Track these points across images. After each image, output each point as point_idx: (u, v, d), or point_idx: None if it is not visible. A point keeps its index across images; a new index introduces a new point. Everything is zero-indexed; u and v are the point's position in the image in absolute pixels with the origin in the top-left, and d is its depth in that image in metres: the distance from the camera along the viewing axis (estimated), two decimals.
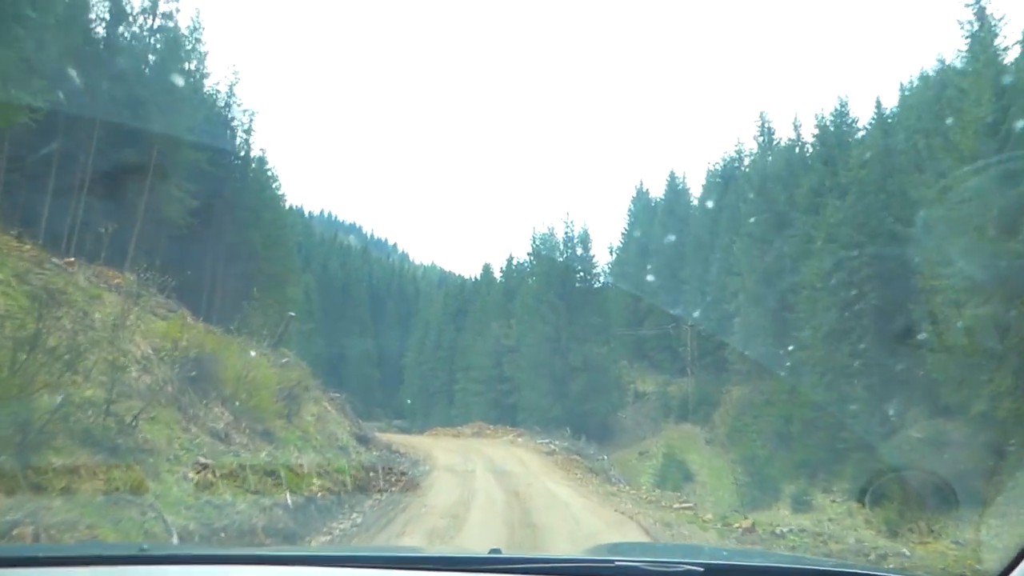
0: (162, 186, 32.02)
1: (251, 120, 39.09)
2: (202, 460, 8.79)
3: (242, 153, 38.74)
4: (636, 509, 14.07)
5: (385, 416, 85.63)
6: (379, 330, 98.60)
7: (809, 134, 50.25)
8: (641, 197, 76.51)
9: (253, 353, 17.73)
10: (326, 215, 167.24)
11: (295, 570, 2.48)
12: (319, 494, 10.65)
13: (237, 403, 11.69)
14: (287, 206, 50.52)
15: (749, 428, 39.61)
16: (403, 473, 17.08)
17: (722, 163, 62.10)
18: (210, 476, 8.58)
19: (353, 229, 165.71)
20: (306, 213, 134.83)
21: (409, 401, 79.43)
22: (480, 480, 16.23)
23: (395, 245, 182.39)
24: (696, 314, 53.74)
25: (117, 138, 30.12)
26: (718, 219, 55.44)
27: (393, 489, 14.41)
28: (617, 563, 2.35)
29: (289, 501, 9.15)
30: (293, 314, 21.79)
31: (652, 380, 59.79)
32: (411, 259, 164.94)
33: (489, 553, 2.47)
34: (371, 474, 14.85)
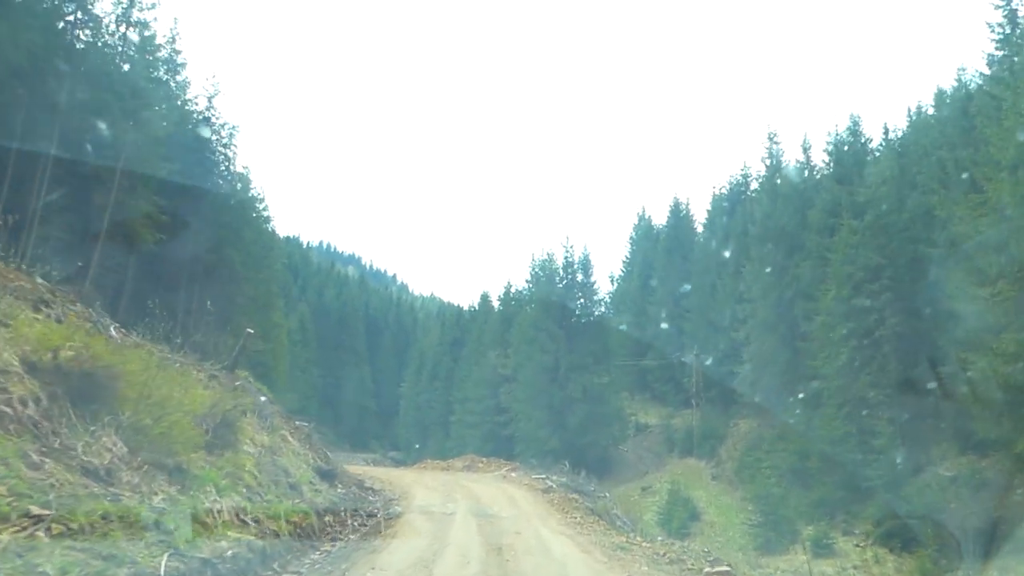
0: (129, 199, 29.40)
1: (231, 135, 36.47)
2: (35, 511, 6.04)
3: (222, 169, 36.12)
4: (655, 574, 11.14)
5: (380, 448, 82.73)
6: (376, 360, 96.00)
7: (819, 155, 47.98)
8: (643, 224, 74.15)
9: (199, 374, 15.01)
10: (325, 246, 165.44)
11: None
12: (229, 551, 7.83)
13: (137, 431, 8.93)
14: (273, 228, 47.80)
15: (760, 464, 36.60)
16: (370, 515, 14.25)
17: (728, 187, 59.69)
18: (39, 533, 5.82)
19: (352, 260, 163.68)
20: (304, 243, 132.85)
21: (404, 432, 76.50)
22: (458, 527, 13.35)
23: (394, 276, 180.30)
24: (702, 344, 50.83)
25: (78, 144, 27.60)
26: (724, 244, 52.83)
27: (352, 537, 11.59)
28: None
29: (163, 569, 6.35)
30: (251, 330, 18.90)
31: (655, 412, 56.87)
32: (410, 290, 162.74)
33: None
34: (327, 519, 12.06)
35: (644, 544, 15.05)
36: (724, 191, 60.38)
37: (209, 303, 27.71)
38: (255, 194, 41.20)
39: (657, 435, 53.17)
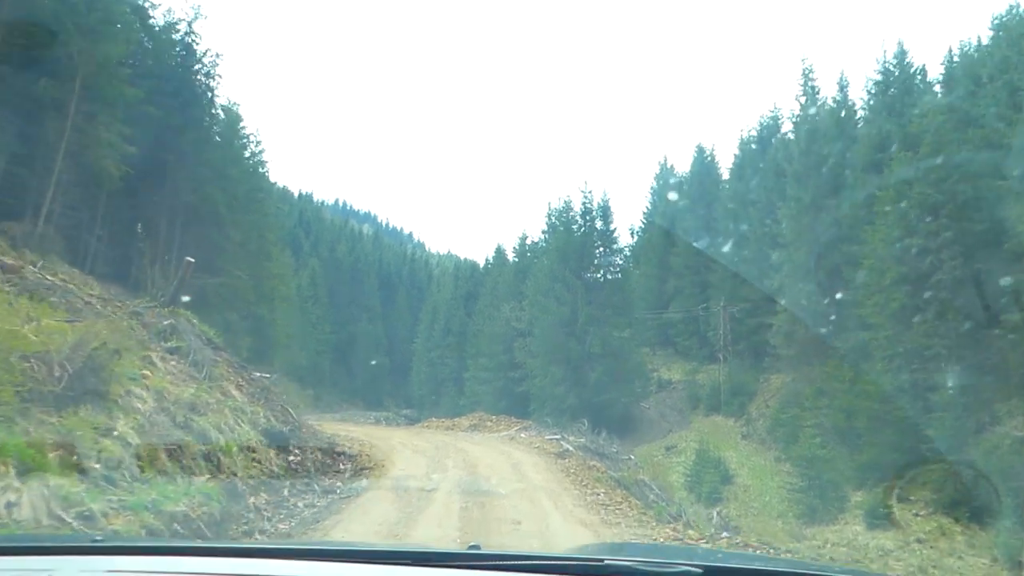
0: (88, 127, 25.64)
1: (214, 64, 32.49)
2: None
3: (201, 98, 32.20)
4: None
5: (395, 406, 79.77)
6: (390, 317, 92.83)
7: (856, 93, 43.45)
8: (665, 172, 69.82)
9: (115, 312, 11.39)
10: (340, 204, 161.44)
11: (258, 562, 2.14)
12: None
13: None
14: (267, 173, 43.54)
15: (798, 423, 32.78)
16: (327, 492, 10.66)
17: (758, 127, 55.02)
18: None
19: (368, 218, 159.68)
20: (317, 201, 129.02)
21: (418, 390, 73.38)
22: (433, 514, 9.69)
23: (410, 234, 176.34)
24: (730, 295, 46.77)
25: (21, 63, 23.86)
26: (754, 189, 48.53)
27: (260, 538, 7.98)
28: (607, 562, 2.03)
29: None
30: (192, 259, 15.16)
31: (678, 368, 53.08)
32: (427, 248, 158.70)
33: (468, 549, 2.26)
34: (238, 506, 8.45)
35: (703, 545, 11.35)
36: (753, 133, 55.81)
37: (188, 258, 23.94)
38: (245, 132, 37.20)
39: (681, 392, 49.48)
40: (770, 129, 54.27)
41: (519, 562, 2.10)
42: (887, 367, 28.66)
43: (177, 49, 32.26)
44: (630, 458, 23.98)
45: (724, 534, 15.32)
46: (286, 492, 10.17)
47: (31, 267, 13.43)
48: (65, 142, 24.94)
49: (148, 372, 9.96)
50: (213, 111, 33.29)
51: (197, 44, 32.53)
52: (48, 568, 2.11)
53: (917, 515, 23.85)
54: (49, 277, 13.10)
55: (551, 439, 21.37)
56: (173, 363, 11.52)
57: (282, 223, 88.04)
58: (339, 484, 11.48)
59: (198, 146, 30.75)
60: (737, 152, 57.10)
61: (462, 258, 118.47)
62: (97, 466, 6.79)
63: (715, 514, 21.03)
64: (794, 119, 46.48)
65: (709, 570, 2.02)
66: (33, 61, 24.71)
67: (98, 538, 2.56)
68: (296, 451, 12.17)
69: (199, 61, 32.74)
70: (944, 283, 28.16)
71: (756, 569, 2.38)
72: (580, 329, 44.19)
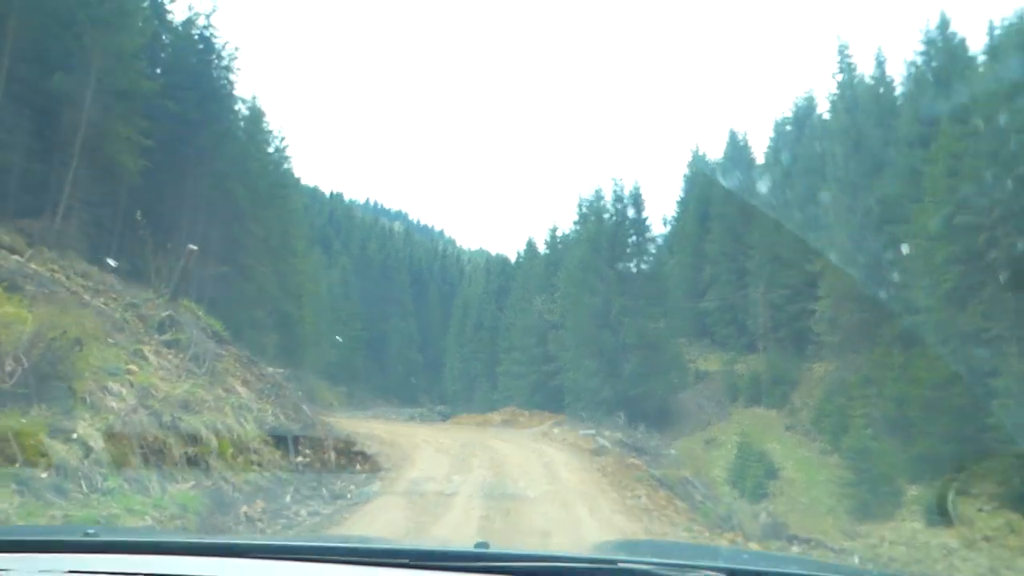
0: (105, 120, 24.81)
1: (233, 57, 31.57)
2: None
3: (221, 92, 31.31)
4: None
5: (429, 401, 78.97)
6: (422, 313, 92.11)
7: (894, 69, 41.52)
8: (697, 160, 67.90)
9: (108, 305, 10.37)
10: (371, 203, 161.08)
11: (260, 563, 2.01)
12: None
13: None
14: (290, 168, 42.32)
15: (845, 413, 31.15)
16: (337, 498, 9.51)
17: (793, 108, 53.09)
18: None
19: (399, 216, 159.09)
20: (347, 200, 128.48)
21: (451, 386, 72.43)
22: (450, 523, 8.53)
23: (441, 231, 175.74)
24: (768, 282, 45.03)
25: (33, 56, 23.14)
26: (791, 171, 46.70)
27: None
28: (620, 564, 1.85)
29: None
30: (194, 247, 14.06)
31: (715, 358, 51.38)
32: (458, 244, 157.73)
33: (475, 548, 2.05)
34: (229, 515, 7.33)
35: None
36: (788, 114, 53.87)
37: (193, 246, 23.07)
38: (267, 128, 36.28)
39: (719, 382, 47.80)
40: (805, 110, 52.34)
41: (526, 563, 1.96)
42: (941, 352, 26.94)
43: (195, 43, 31.41)
44: (670, 453, 22.61)
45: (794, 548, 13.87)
46: (288, 498, 9.07)
47: (16, 257, 12.44)
48: (81, 136, 24.16)
49: (135, 367, 8.91)
50: (233, 105, 32.41)
51: (216, 38, 31.66)
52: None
53: (981, 510, 22.17)
54: (34, 266, 12.13)
55: (586, 434, 20.06)
56: (170, 357, 10.49)
57: (309, 220, 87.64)
58: (351, 487, 10.36)
59: (218, 140, 29.90)
60: (772, 135, 55.27)
61: (493, 253, 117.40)
62: (44, 475, 5.69)
63: (763, 513, 19.59)
64: (831, 98, 44.61)
65: (733, 573, 1.86)
66: (46, 54, 23.97)
67: (91, 531, 2.40)
68: (307, 451, 11.07)
69: (218, 55, 31.87)
70: (1000, 261, 26.42)
71: (784, 572, 2.19)
72: (614, 320, 42.79)
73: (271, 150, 36.40)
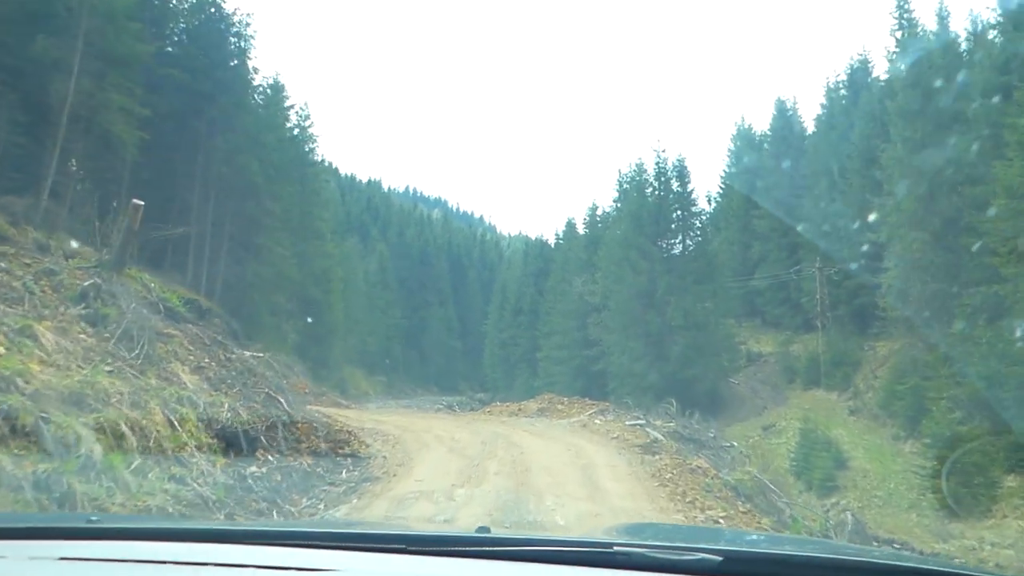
0: (96, 89, 22.39)
1: (245, 24, 28.98)
2: None
3: (233, 60, 28.74)
4: None
5: (469, 390, 76.57)
6: (461, 299, 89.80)
7: (957, 24, 37.47)
8: (742, 132, 64.12)
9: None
10: (410, 191, 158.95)
11: (257, 549, 1.98)
12: None
13: None
14: (313, 148, 39.33)
15: (919, 394, 27.71)
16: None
17: (847, 70, 48.99)
18: None
19: (438, 204, 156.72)
20: (386, 188, 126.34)
21: (491, 372, 69.78)
22: None
23: (481, 217, 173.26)
24: (824, 255, 41.41)
25: (13, 18, 20.77)
26: (848, 137, 42.91)
27: None
28: (616, 548, 1.84)
29: None
30: (140, 201, 11.30)
31: (768, 339, 47.97)
32: (498, 231, 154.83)
33: (476, 532, 2.06)
34: None
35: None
36: (842, 78, 49.75)
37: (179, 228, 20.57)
38: (287, 102, 33.67)
39: (773, 365, 44.47)
40: (860, 72, 48.27)
41: (523, 547, 1.92)
42: None
43: (204, 7, 28.87)
44: (731, 445, 19.50)
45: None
46: None
47: None
48: (68, 106, 21.76)
49: (1, 348, 6.24)
50: (247, 76, 29.80)
51: (225, 2, 29.03)
52: None
53: None
54: None
55: (633, 425, 17.06)
56: (84, 337, 7.83)
57: (346, 208, 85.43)
58: (321, 506, 7.62)
59: (230, 112, 27.36)
60: (823, 101, 51.23)
61: (533, 238, 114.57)
62: None
63: (848, 514, 16.42)
64: (889, 57, 40.72)
65: (731, 556, 1.78)
66: (28, 16, 21.57)
67: (94, 519, 2.41)
68: (271, 457, 8.38)
69: (229, 21, 29.31)
70: None
71: (785, 554, 2.06)
72: (659, 300, 39.66)
73: (291, 125, 33.82)
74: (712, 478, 11.28)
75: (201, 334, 11.47)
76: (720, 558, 1.73)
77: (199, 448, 7.45)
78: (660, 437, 15.21)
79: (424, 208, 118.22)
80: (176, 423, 7.47)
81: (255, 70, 30.28)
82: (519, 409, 23.36)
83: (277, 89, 33.88)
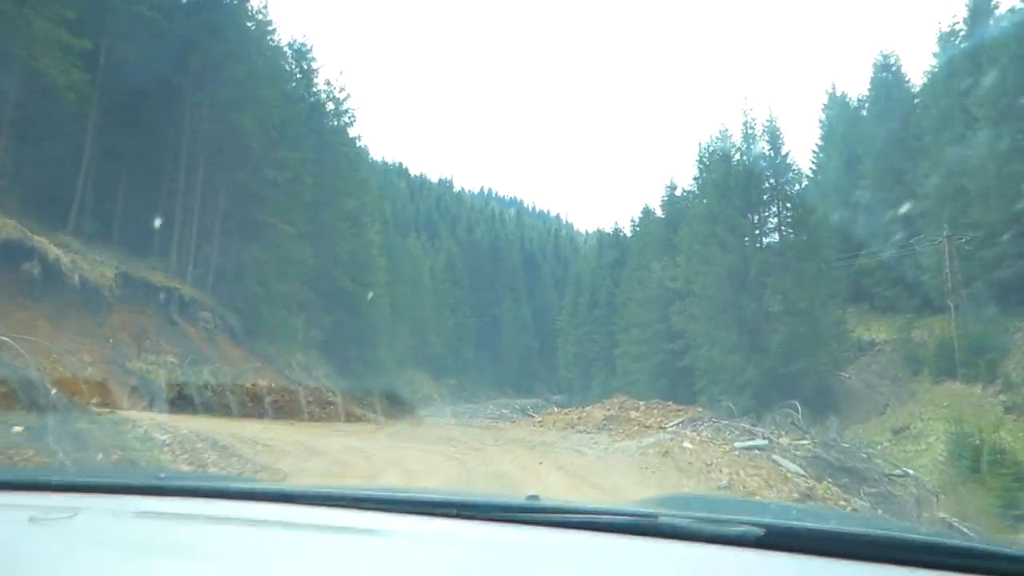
0: (14, 15, 17.20)
1: None
2: None
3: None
4: None
5: (545, 391, 70.50)
6: (535, 297, 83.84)
7: None
8: (835, 102, 56.08)
9: None
10: (484, 191, 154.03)
11: (320, 511, 1.98)
12: None
13: None
14: (348, 121, 33.17)
15: None
16: None
17: (967, 11, 40.67)
18: None
19: (513, 203, 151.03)
20: (457, 188, 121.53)
21: (566, 372, 63.51)
22: None
23: (557, 215, 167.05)
24: (952, 222, 33.72)
25: None
26: (978, 85, 34.98)
27: None
28: (661, 517, 1.78)
29: None
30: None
31: (881, 324, 40.25)
32: (574, 228, 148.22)
33: (527, 499, 1.97)
34: None
35: None
36: (958, 22, 41.44)
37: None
38: (312, 66, 28.13)
39: (890, 354, 36.90)
40: (983, 13, 40.01)
41: (569, 515, 1.87)
42: None
43: None
44: (905, 472, 12.77)
45: None
46: None
47: None
48: None
49: None
50: (244, 21, 24.32)
51: None
52: (73, 506, 1.98)
53: None
54: None
55: (746, 447, 10.52)
56: None
57: (415, 205, 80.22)
58: None
59: (220, 62, 21.93)
60: (936, 51, 43.01)
61: (608, 231, 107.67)
62: None
63: None
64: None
65: (773, 529, 1.70)
66: None
67: (163, 476, 2.46)
68: None
69: None
70: None
71: (829, 529, 1.85)
72: (753, 281, 32.90)
73: (317, 91, 28.26)
74: None
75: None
76: (763, 531, 1.65)
77: None
78: (799, 470, 8.87)
79: (497, 206, 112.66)
80: None
81: (252, 13, 24.69)
82: (580, 417, 17.13)
83: (300, 52, 28.41)
